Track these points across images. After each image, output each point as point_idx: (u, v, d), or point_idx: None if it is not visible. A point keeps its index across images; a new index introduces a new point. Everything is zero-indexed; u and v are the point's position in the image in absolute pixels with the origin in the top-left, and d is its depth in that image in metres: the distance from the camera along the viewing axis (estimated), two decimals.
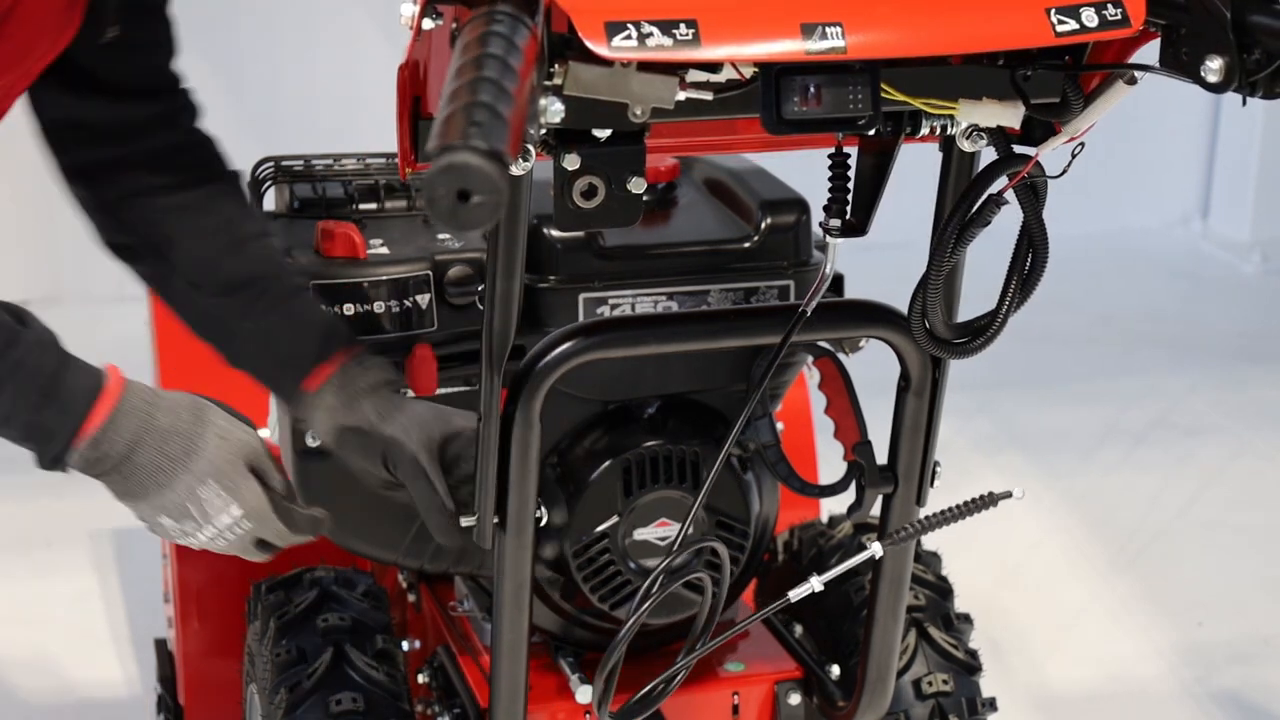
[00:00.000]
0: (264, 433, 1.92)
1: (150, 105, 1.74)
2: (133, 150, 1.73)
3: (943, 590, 2.14)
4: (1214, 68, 1.31)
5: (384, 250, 1.85)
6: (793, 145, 1.52)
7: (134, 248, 1.76)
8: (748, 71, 1.34)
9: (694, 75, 1.32)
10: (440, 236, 1.90)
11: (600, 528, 1.84)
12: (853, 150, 1.55)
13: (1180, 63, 1.34)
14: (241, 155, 1.89)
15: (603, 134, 1.33)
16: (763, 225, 1.87)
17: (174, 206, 1.74)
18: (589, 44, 1.20)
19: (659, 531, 1.86)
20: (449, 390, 1.83)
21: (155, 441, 1.53)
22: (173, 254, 1.74)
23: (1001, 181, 1.49)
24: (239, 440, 1.59)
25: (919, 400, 1.69)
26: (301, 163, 2.08)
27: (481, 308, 1.55)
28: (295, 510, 1.62)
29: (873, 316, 1.65)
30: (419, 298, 1.82)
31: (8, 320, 1.50)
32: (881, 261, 3.05)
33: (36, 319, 1.52)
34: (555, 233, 1.80)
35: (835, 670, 2.01)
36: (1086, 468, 3.81)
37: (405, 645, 2.10)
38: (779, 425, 1.87)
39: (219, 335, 1.75)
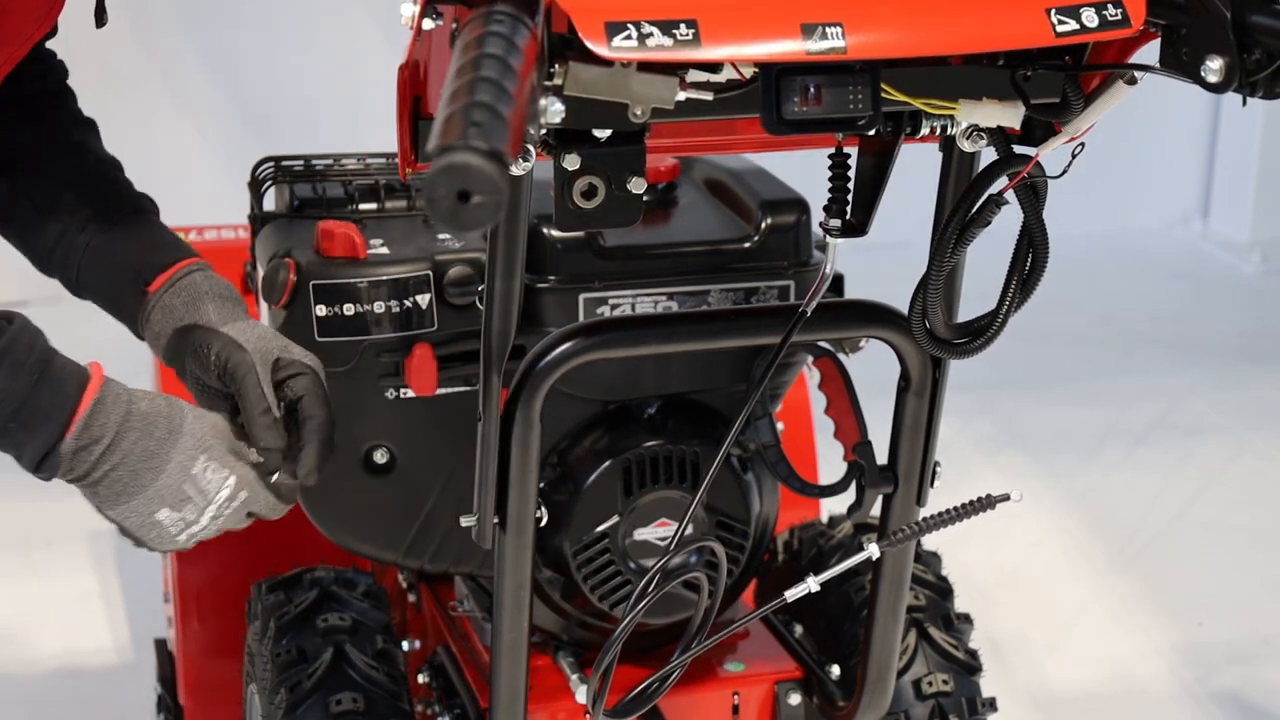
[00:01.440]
0: None
1: (27, 64, 1.77)
2: (12, 90, 1.76)
3: (943, 590, 2.14)
4: (1214, 68, 1.31)
5: (384, 250, 1.85)
6: (793, 145, 1.52)
7: None
8: (748, 71, 1.34)
9: (694, 75, 1.32)
10: (440, 236, 1.90)
11: (600, 528, 1.84)
12: (853, 150, 1.55)
13: (1180, 63, 1.34)
14: (241, 155, 1.89)
15: (603, 134, 1.33)
16: (763, 225, 1.87)
17: (32, 138, 1.79)
18: (589, 44, 1.20)
19: (659, 531, 1.86)
20: (449, 390, 1.84)
21: (140, 424, 1.52)
22: (24, 178, 1.77)
23: (1002, 181, 1.49)
24: (213, 419, 1.59)
25: (919, 400, 1.69)
26: (301, 163, 2.08)
27: (481, 308, 1.55)
28: (278, 480, 1.61)
29: (873, 316, 1.65)
30: (419, 298, 1.82)
31: None
32: (881, 261, 3.05)
33: (22, 315, 1.52)
34: (555, 233, 1.80)
35: (835, 670, 2.01)
36: (1086, 468, 3.81)
37: (405, 645, 2.10)
38: (779, 425, 1.87)
39: (62, 255, 1.76)
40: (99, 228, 1.75)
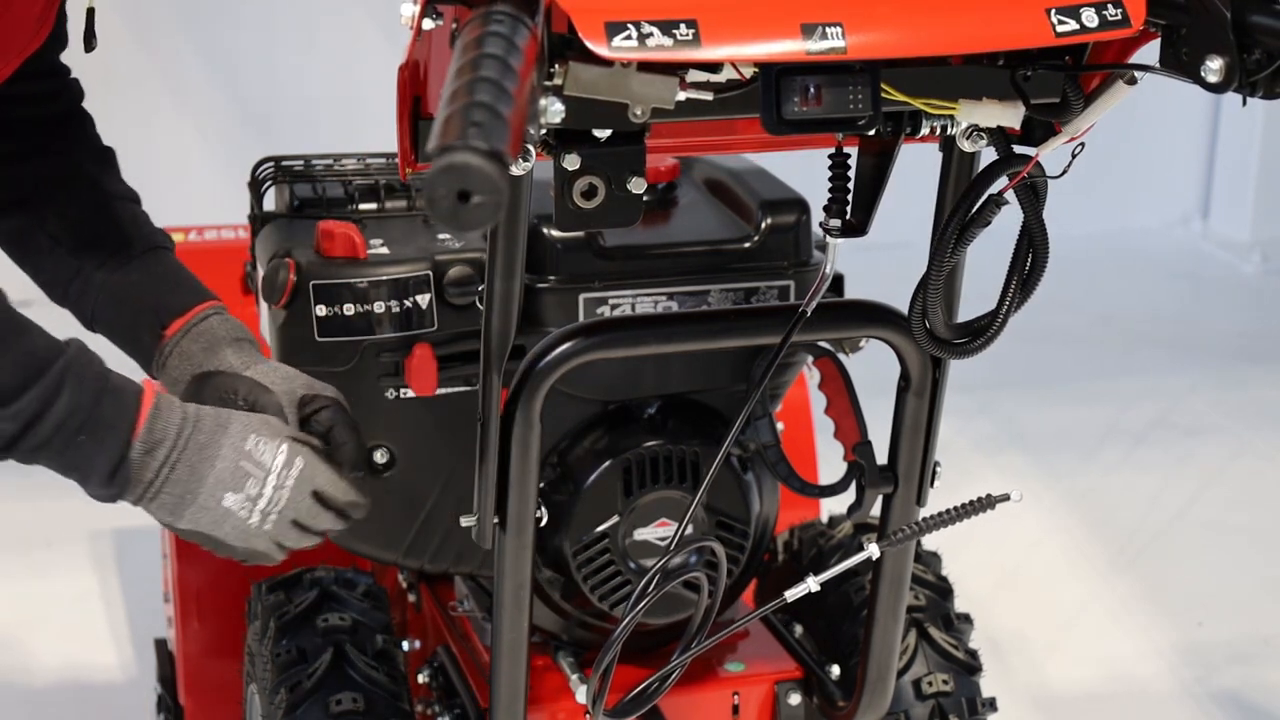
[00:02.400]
0: None
1: (49, 80, 1.79)
2: (20, 115, 1.78)
3: (943, 590, 2.14)
4: (1214, 68, 1.31)
5: (384, 250, 1.85)
6: (793, 145, 1.52)
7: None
8: (748, 71, 1.34)
9: (694, 75, 1.32)
10: (440, 236, 1.90)
11: (600, 528, 1.84)
12: (853, 150, 1.55)
13: (1180, 63, 1.34)
14: (241, 155, 1.89)
15: (603, 134, 1.33)
16: (763, 225, 1.87)
17: (48, 168, 1.80)
18: (589, 44, 1.20)
19: (659, 531, 1.86)
20: (449, 390, 1.83)
21: (192, 424, 1.55)
22: (39, 210, 1.78)
23: (1002, 181, 1.49)
24: (264, 415, 1.61)
25: (919, 400, 1.69)
26: (301, 163, 2.08)
27: (481, 308, 1.55)
28: (337, 450, 1.62)
29: (873, 316, 1.65)
30: (419, 298, 1.82)
31: (54, 338, 1.53)
32: (881, 261, 3.05)
33: (77, 339, 1.55)
34: (555, 233, 1.80)
35: (835, 670, 2.01)
36: (1086, 468, 3.81)
37: (405, 645, 2.10)
38: (779, 425, 1.87)
39: (78, 290, 1.77)
40: (116, 266, 1.76)
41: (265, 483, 1.55)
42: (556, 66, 1.26)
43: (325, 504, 1.60)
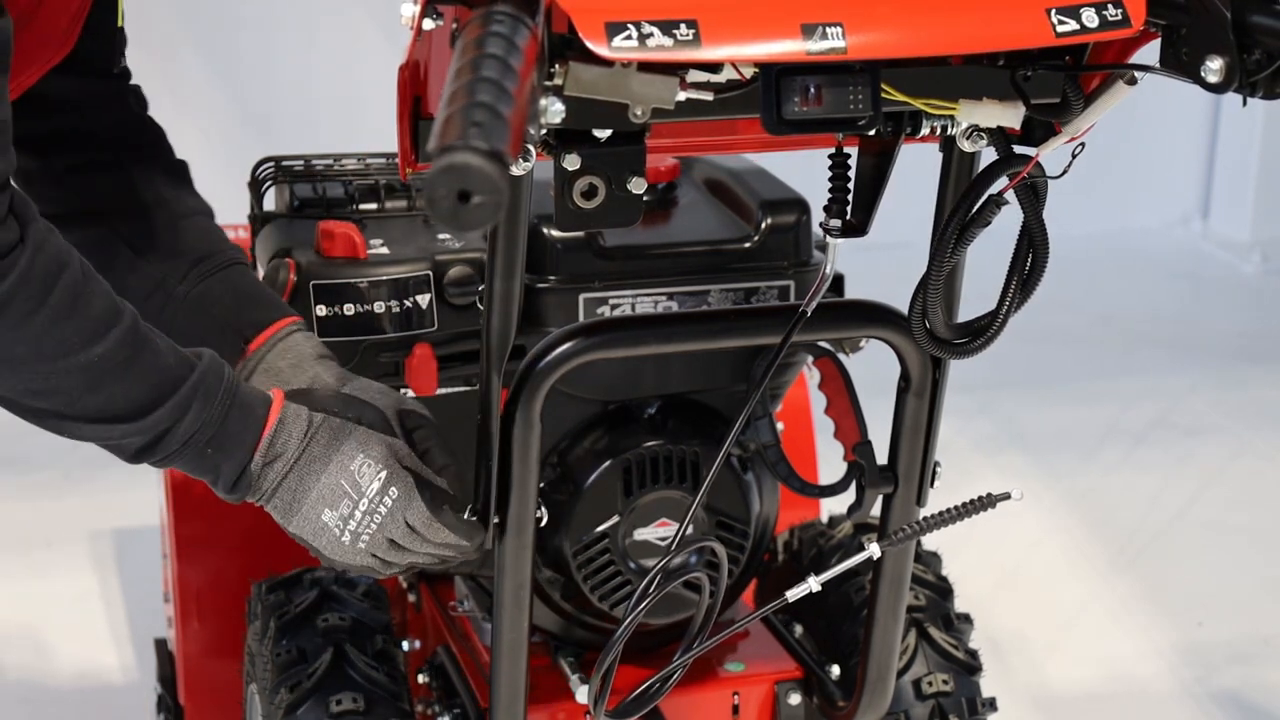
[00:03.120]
0: None
1: (104, 83, 1.80)
2: (87, 124, 1.79)
3: (943, 590, 2.14)
4: (1214, 68, 1.31)
5: (384, 250, 1.86)
6: (793, 145, 1.52)
7: (71, 216, 1.78)
8: (748, 72, 1.34)
9: (694, 75, 1.32)
10: (440, 236, 1.90)
11: (600, 528, 1.84)
12: (853, 150, 1.55)
13: (1180, 63, 1.34)
14: (241, 155, 1.89)
15: (603, 134, 1.33)
16: (763, 225, 1.87)
17: (122, 180, 1.80)
18: (589, 44, 1.20)
19: (659, 531, 1.86)
20: (449, 390, 1.84)
21: (311, 434, 1.57)
22: (117, 223, 1.78)
23: (1002, 182, 1.49)
24: (386, 436, 1.62)
25: (919, 400, 1.69)
26: (301, 163, 2.08)
27: (481, 308, 1.55)
28: (440, 489, 1.61)
29: (873, 316, 1.65)
30: (419, 298, 1.82)
31: (185, 353, 1.55)
32: (881, 261, 3.05)
33: (210, 351, 1.57)
34: (555, 233, 1.80)
35: (835, 670, 2.01)
36: (1086, 468, 3.81)
37: (405, 645, 2.10)
38: (779, 425, 1.87)
39: (157, 304, 1.77)
40: (195, 280, 1.76)
41: (357, 506, 1.56)
42: (557, 66, 1.26)
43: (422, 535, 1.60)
